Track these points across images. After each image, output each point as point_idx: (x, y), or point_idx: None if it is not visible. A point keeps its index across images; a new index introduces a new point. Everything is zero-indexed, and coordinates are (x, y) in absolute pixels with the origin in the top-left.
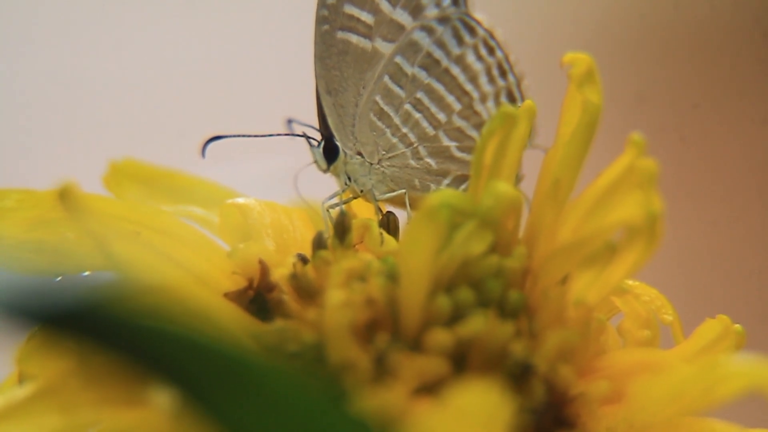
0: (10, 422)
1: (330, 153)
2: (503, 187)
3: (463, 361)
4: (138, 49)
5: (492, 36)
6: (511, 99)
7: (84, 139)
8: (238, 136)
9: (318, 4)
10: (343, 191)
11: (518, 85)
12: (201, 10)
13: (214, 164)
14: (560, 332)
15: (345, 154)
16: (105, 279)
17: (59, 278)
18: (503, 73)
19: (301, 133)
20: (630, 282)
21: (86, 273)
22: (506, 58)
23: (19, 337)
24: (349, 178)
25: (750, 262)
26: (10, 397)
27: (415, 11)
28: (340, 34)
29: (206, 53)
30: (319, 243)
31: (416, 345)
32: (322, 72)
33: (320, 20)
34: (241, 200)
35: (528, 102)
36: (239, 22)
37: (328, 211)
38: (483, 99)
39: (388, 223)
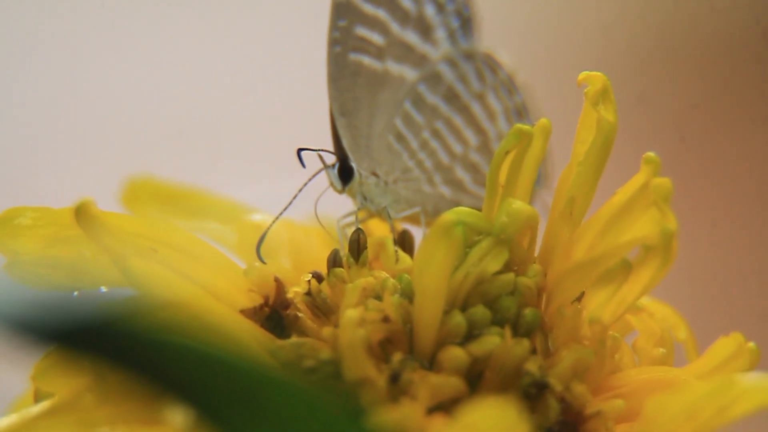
0: None
1: (345, 174)
2: (518, 204)
3: (478, 380)
4: (155, 66)
5: (512, 80)
6: None
7: (99, 157)
8: (323, 151)
9: (330, 26)
10: (359, 211)
11: None
12: (219, 26)
13: (230, 183)
14: (575, 350)
15: (360, 174)
16: (121, 295)
17: (76, 294)
18: (520, 117)
19: (321, 151)
20: (643, 300)
21: (103, 289)
22: (525, 102)
23: (36, 353)
24: (365, 198)
25: (750, 262)
26: (26, 414)
27: (425, 33)
28: (352, 56)
29: (223, 70)
30: (334, 261)
31: (431, 363)
32: (336, 93)
33: (333, 42)
34: (258, 218)
35: (543, 120)
36: (257, 40)
37: (343, 229)
38: (499, 138)
39: (404, 241)
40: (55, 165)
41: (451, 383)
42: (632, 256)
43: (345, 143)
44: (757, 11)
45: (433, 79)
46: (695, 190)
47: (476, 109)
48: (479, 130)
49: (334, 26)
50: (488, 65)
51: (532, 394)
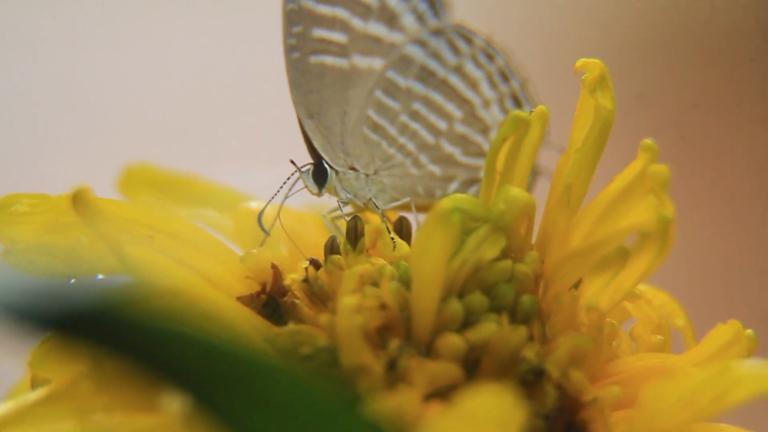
0: (23, 427)
1: (319, 176)
2: (516, 191)
3: (475, 367)
4: (150, 56)
5: (490, 44)
6: (517, 103)
7: (97, 144)
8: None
9: (284, 34)
10: (345, 205)
11: (523, 89)
12: (213, 18)
13: (226, 171)
14: (573, 337)
15: (337, 172)
16: (118, 282)
17: (72, 281)
18: (505, 79)
19: (290, 161)
20: (641, 287)
21: (100, 276)
22: (507, 63)
23: (33, 340)
24: (349, 194)
25: (750, 262)
26: (23, 402)
27: (391, 22)
28: (313, 59)
29: (217, 61)
30: (331, 248)
31: (429, 350)
32: (300, 98)
33: (289, 49)
34: (254, 205)
35: (540, 107)
36: (251, 33)
37: (333, 220)
38: (485, 105)
39: (401, 228)
40: (54, 154)
41: (449, 370)
42: (630, 243)
43: (317, 145)
44: (757, 11)
45: (403, 63)
46: (695, 189)
47: (455, 81)
48: (462, 101)
49: (288, 33)
50: (461, 36)
51: (530, 380)
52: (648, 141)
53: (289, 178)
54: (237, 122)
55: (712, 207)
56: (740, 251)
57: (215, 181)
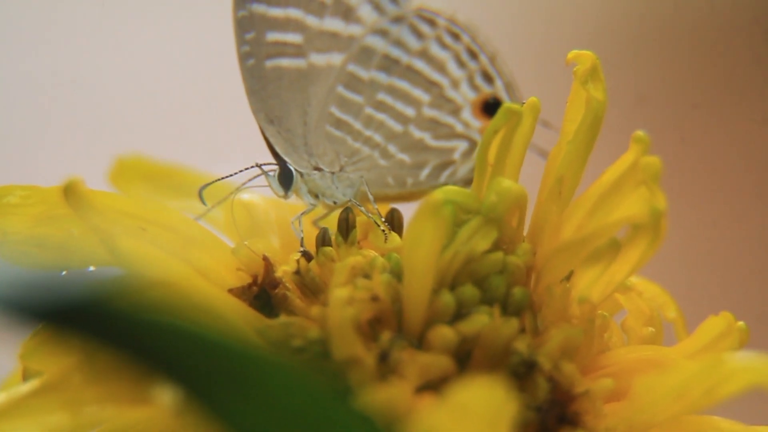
0: (15, 419)
1: (285, 179)
2: (507, 183)
3: (467, 359)
4: (141, 49)
5: (454, 23)
6: (488, 78)
7: (88, 136)
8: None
9: (237, 42)
10: (312, 209)
11: (492, 63)
12: (202, 13)
13: (217, 163)
14: (564, 329)
15: (301, 174)
16: (110, 274)
17: (64, 273)
18: (473, 56)
19: (254, 164)
20: (633, 279)
21: (91, 268)
22: (473, 40)
23: (24, 332)
24: (316, 195)
25: (750, 262)
26: (14, 394)
27: (347, 15)
28: (269, 63)
29: (208, 55)
30: (323, 240)
31: (420, 342)
32: (259, 105)
33: (244, 56)
34: (246, 197)
35: (532, 99)
36: None
37: (299, 226)
38: (454, 85)
39: (393, 220)
40: (46, 146)
41: (440, 362)
42: (621, 235)
43: (279, 150)
44: (757, 11)
45: (363, 55)
46: (695, 190)
47: (420, 66)
48: (430, 85)
49: (241, 41)
50: (423, 18)
51: (521, 373)
52: (640, 133)
53: (251, 179)
54: (225, 118)
55: (712, 206)
56: (740, 251)
57: (207, 172)
